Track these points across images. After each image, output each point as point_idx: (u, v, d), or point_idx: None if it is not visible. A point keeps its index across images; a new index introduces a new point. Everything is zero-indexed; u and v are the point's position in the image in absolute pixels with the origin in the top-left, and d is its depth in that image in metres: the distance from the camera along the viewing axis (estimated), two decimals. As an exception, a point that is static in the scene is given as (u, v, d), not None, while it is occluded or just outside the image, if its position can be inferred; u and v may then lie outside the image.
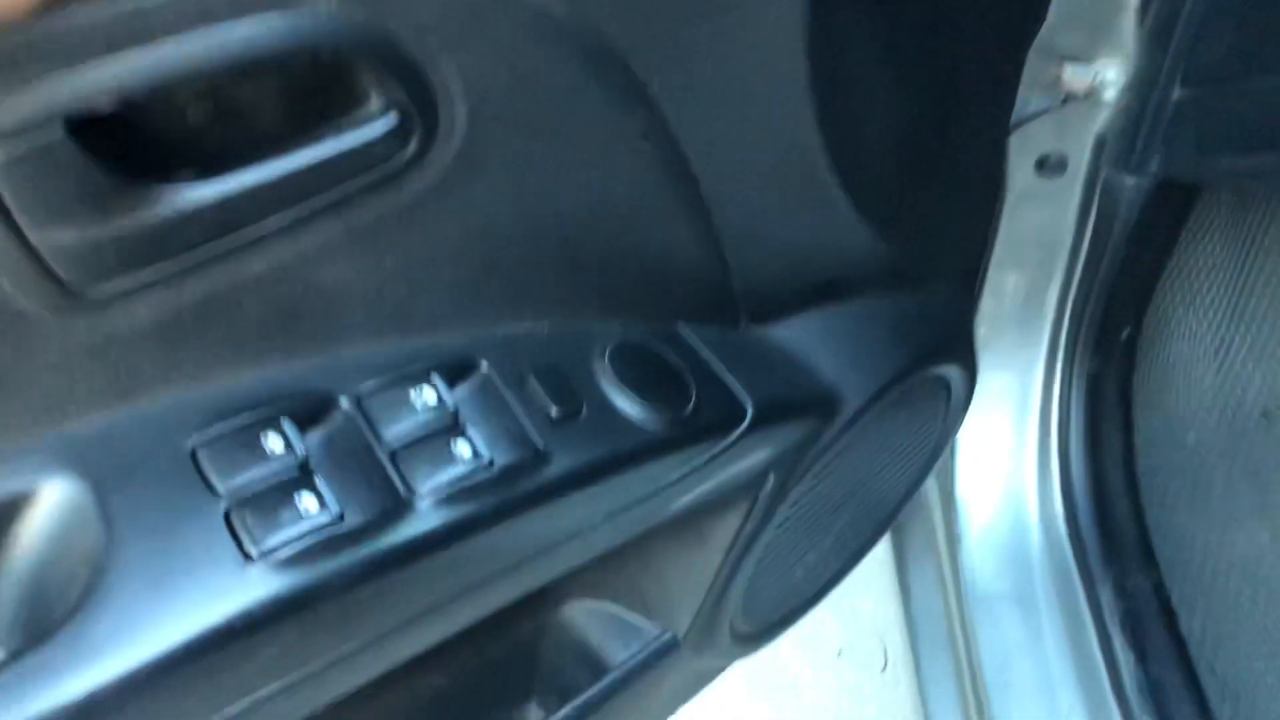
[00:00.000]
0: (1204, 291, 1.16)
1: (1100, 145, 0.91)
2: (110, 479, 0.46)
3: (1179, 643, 0.96)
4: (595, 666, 0.77)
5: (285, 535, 0.46)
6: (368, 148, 0.47)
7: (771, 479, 0.69)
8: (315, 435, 0.51)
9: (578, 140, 0.54)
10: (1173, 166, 0.86)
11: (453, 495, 0.51)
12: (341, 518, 0.47)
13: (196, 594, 0.45)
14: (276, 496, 0.47)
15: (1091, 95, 0.89)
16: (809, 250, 0.69)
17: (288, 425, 0.49)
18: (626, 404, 0.59)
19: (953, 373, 0.82)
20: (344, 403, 0.52)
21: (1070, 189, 0.94)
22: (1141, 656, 0.93)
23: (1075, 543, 1.02)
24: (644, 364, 0.61)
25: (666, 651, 0.77)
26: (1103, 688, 0.94)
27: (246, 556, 0.46)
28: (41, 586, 0.45)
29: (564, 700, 0.76)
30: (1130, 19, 0.84)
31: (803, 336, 0.71)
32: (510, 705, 0.79)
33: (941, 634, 1.07)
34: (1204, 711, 0.93)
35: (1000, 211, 0.93)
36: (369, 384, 0.52)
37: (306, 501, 0.47)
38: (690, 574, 0.74)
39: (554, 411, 0.56)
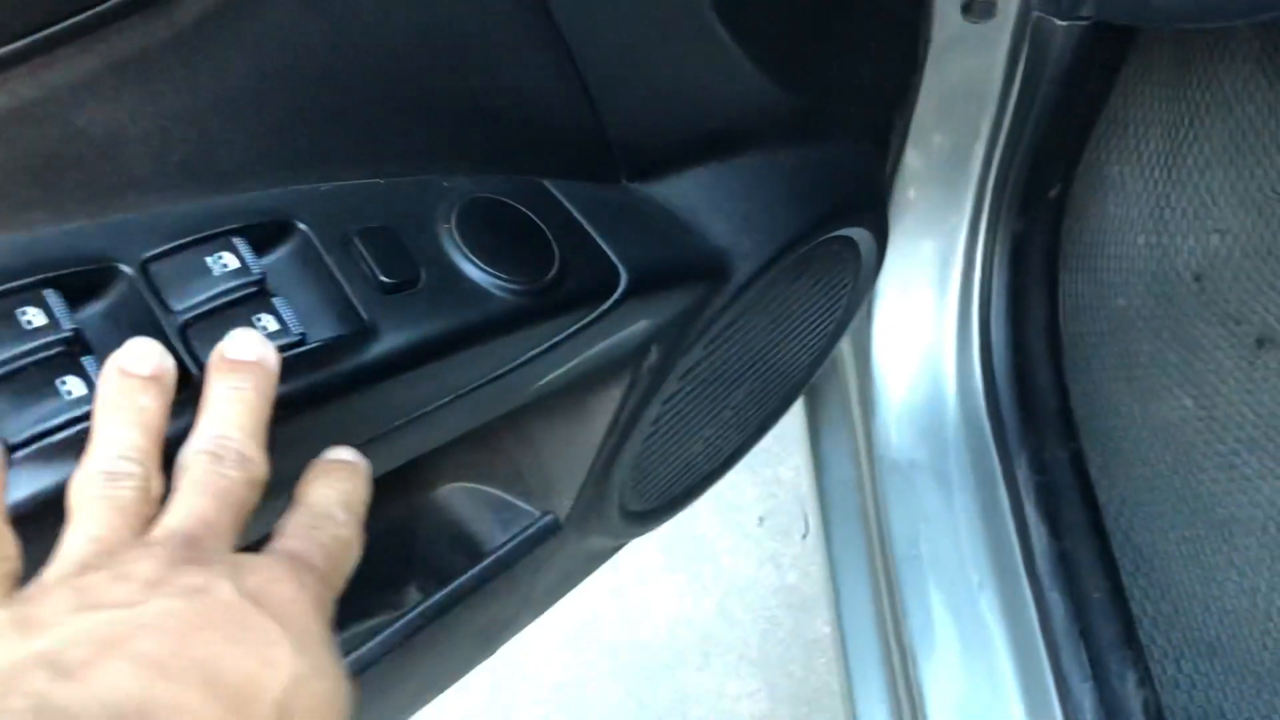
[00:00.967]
0: (1140, 148, 1.10)
1: (1032, -15, 0.83)
2: None
3: (1095, 516, 0.93)
4: (472, 550, 0.72)
5: (43, 425, 0.40)
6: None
7: (654, 351, 0.63)
8: (90, 309, 0.43)
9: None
10: (1107, 8, 0.79)
11: (256, 377, 0.44)
12: (115, 403, 0.41)
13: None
14: (35, 379, 0.40)
15: (1024, -72, 0.81)
16: (693, 98, 0.62)
17: (51, 296, 0.42)
18: (475, 270, 0.52)
19: (861, 235, 0.76)
20: (126, 270, 0.44)
21: (999, 34, 0.87)
22: (1055, 531, 0.91)
23: (993, 414, 0.98)
24: (498, 225, 0.54)
25: (548, 533, 0.72)
26: (1015, 562, 0.91)
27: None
28: None
29: (442, 583, 0.71)
30: None
31: (690, 195, 0.65)
32: (387, 588, 0.74)
33: (853, 504, 1.04)
34: (1115, 584, 0.91)
35: (924, 61, 0.85)
36: (158, 249, 0.45)
37: (70, 384, 0.41)
38: (570, 453, 0.69)
39: (384, 279, 0.49)
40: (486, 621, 0.74)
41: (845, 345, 1.04)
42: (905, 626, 0.94)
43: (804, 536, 1.50)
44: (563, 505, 0.72)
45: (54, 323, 0.41)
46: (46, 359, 0.41)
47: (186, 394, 0.42)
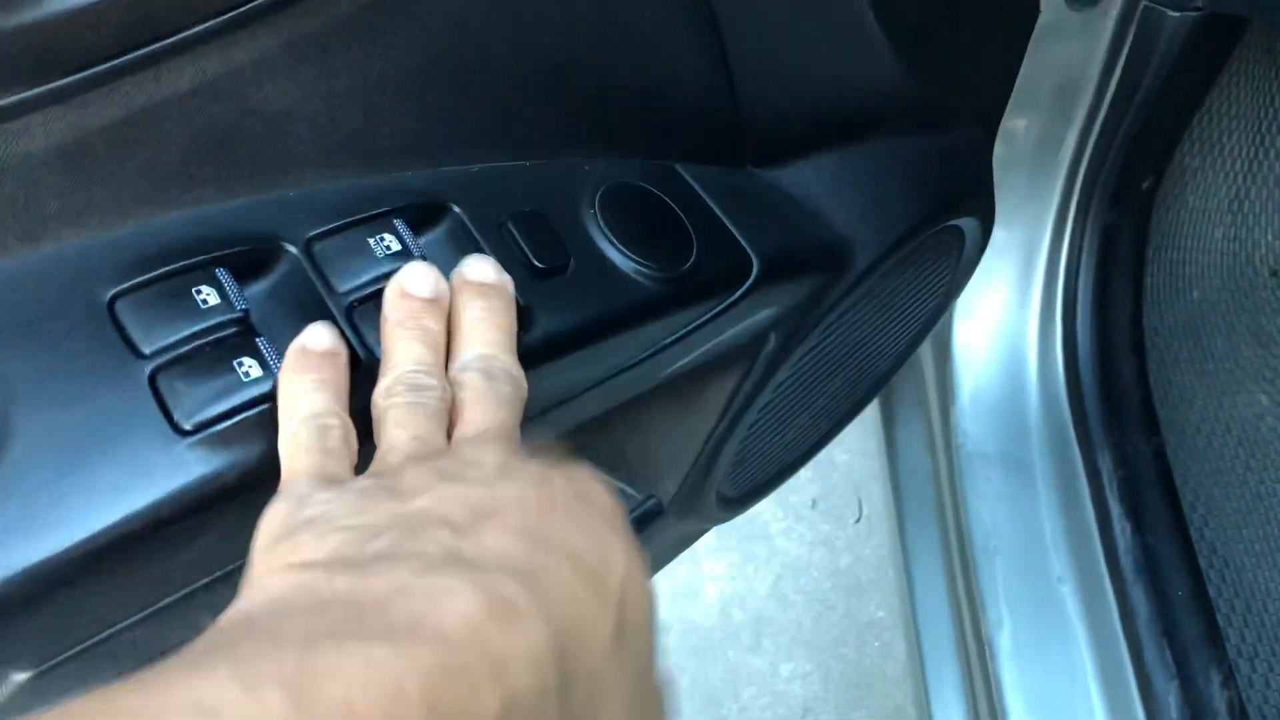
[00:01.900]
0: (1222, 140, 1.08)
1: (1141, -27, 0.82)
2: (11, 335, 0.39)
3: (1178, 512, 0.93)
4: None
5: (223, 405, 0.39)
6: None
7: (773, 339, 0.63)
8: (257, 287, 0.43)
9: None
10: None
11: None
12: (290, 385, 0.40)
13: (118, 473, 0.38)
14: (212, 359, 0.40)
15: (1136, -85, 0.80)
16: (829, 83, 0.61)
17: (223, 275, 0.41)
18: (619, 257, 0.52)
19: (969, 224, 0.75)
20: (291, 249, 0.44)
21: (1103, 23, 0.85)
22: (1139, 526, 0.90)
23: (1075, 405, 0.97)
24: (640, 211, 0.54)
25: (651, 518, 0.72)
26: (1096, 556, 0.91)
27: (177, 429, 0.39)
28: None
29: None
30: None
31: (813, 182, 0.64)
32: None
33: (928, 494, 1.04)
34: (1198, 582, 0.90)
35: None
36: (321, 228, 0.45)
37: (248, 365, 0.40)
38: (680, 439, 0.69)
39: (537, 264, 0.48)
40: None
41: (925, 333, 1.03)
42: (983, 618, 0.94)
43: (857, 521, 1.50)
44: (667, 490, 0.72)
45: (227, 301, 0.41)
46: (222, 339, 0.40)
47: (360, 374, 0.42)
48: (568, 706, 0.29)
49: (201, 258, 0.41)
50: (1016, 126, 0.97)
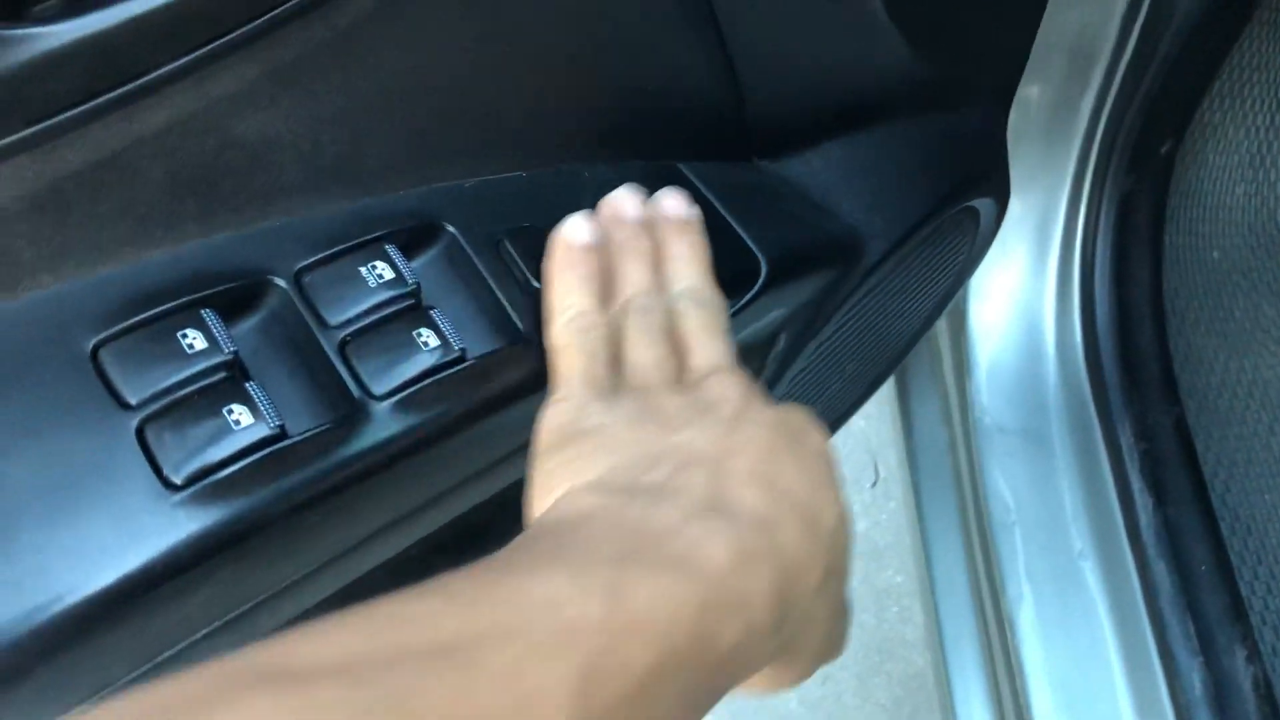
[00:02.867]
0: (1246, 93, 1.05)
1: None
2: (-9, 388, 0.37)
3: (1200, 484, 0.91)
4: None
5: (214, 456, 0.38)
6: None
7: (783, 339, 0.61)
8: (246, 325, 0.42)
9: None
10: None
11: (417, 396, 0.42)
12: (282, 431, 0.39)
13: (108, 533, 0.37)
14: (201, 407, 0.39)
15: None
16: (834, 70, 0.59)
17: (209, 316, 0.40)
18: (622, 269, 0.50)
19: (984, 204, 0.73)
20: (279, 283, 0.42)
21: (1119, -17, 0.82)
22: (1160, 499, 0.88)
23: (1094, 377, 0.95)
24: (642, 218, 0.52)
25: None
26: (1117, 529, 0.89)
27: (167, 484, 0.38)
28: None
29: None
30: None
31: (821, 172, 0.62)
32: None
33: (944, 468, 1.02)
34: (1223, 555, 0.89)
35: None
36: (310, 259, 0.43)
37: (238, 413, 0.39)
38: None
39: (536, 284, 0.46)
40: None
41: (939, 305, 1.01)
42: (1002, 593, 0.93)
43: (873, 485, 1.49)
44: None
45: (215, 344, 0.39)
46: (210, 385, 0.39)
47: (358, 422, 0.40)
48: (782, 635, 0.35)
49: (186, 299, 0.40)
50: (1029, 94, 0.94)
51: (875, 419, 1.50)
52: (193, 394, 0.39)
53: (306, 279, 0.42)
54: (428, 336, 0.43)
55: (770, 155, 0.60)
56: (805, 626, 0.38)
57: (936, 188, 0.66)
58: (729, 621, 0.33)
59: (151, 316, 0.39)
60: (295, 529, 0.40)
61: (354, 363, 0.42)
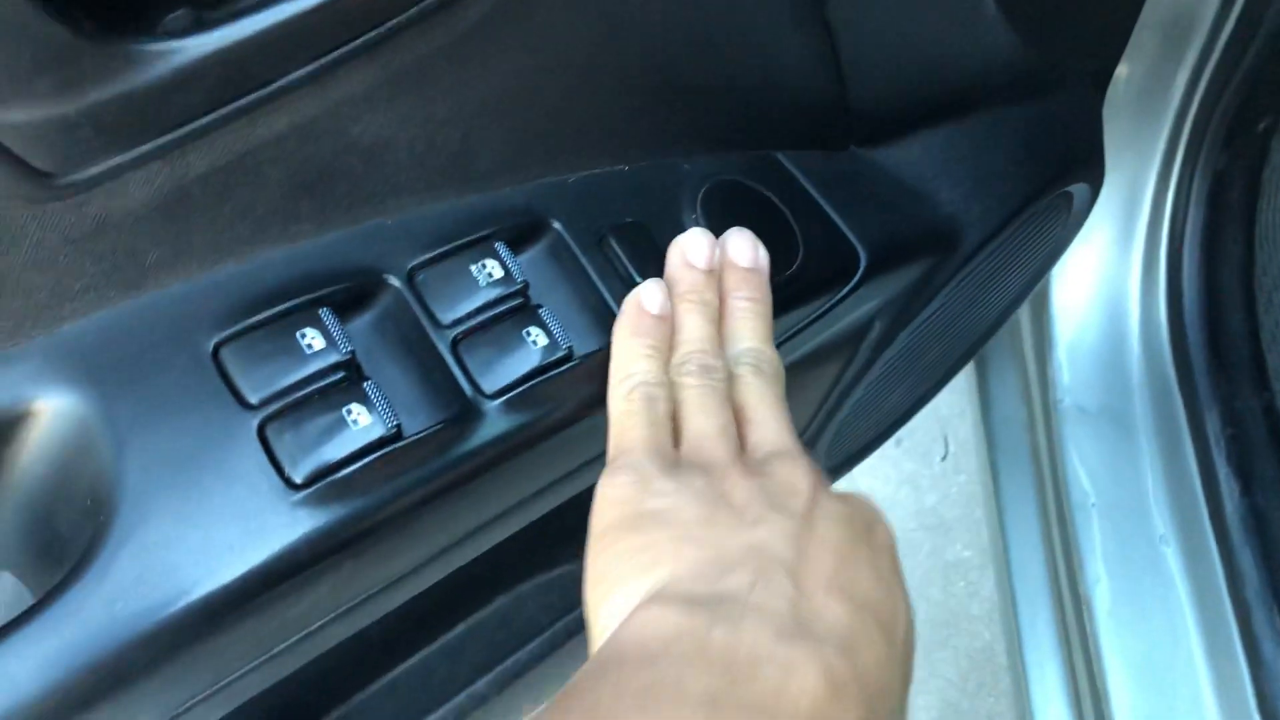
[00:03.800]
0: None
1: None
2: (118, 387, 0.38)
3: (1288, 471, 0.89)
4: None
5: (333, 455, 0.39)
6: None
7: (878, 327, 0.60)
8: (360, 323, 0.42)
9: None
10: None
11: (526, 394, 0.42)
12: (399, 430, 0.40)
13: (232, 531, 0.37)
14: (320, 406, 0.39)
15: None
16: (938, 58, 0.58)
17: (327, 316, 0.40)
18: (724, 263, 0.49)
19: (1079, 188, 0.71)
20: (393, 281, 0.43)
21: (1223, -45, 0.80)
22: (1247, 487, 0.87)
23: (1180, 358, 0.93)
24: (743, 210, 0.51)
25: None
26: (1201, 516, 0.88)
27: (289, 483, 0.38)
28: (48, 521, 0.38)
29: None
30: None
31: (919, 160, 0.61)
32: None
33: (1022, 446, 1.01)
34: (1310, 545, 0.87)
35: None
36: (422, 257, 0.43)
37: (357, 413, 0.39)
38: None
39: (639, 281, 0.46)
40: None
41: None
42: (1080, 575, 0.92)
43: (943, 459, 1.48)
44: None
45: (332, 344, 0.40)
46: (330, 384, 0.39)
47: (470, 420, 0.41)
48: None
49: (304, 298, 0.40)
50: (1119, 72, 0.91)
51: (946, 390, 1.48)
52: (313, 394, 0.39)
53: (420, 277, 0.43)
54: (536, 335, 0.43)
55: (869, 143, 0.59)
56: None
57: (1035, 174, 0.65)
58: None
59: (271, 316, 0.40)
60: (408, 526, 0.41)
61: (465, 361, 0.42)
